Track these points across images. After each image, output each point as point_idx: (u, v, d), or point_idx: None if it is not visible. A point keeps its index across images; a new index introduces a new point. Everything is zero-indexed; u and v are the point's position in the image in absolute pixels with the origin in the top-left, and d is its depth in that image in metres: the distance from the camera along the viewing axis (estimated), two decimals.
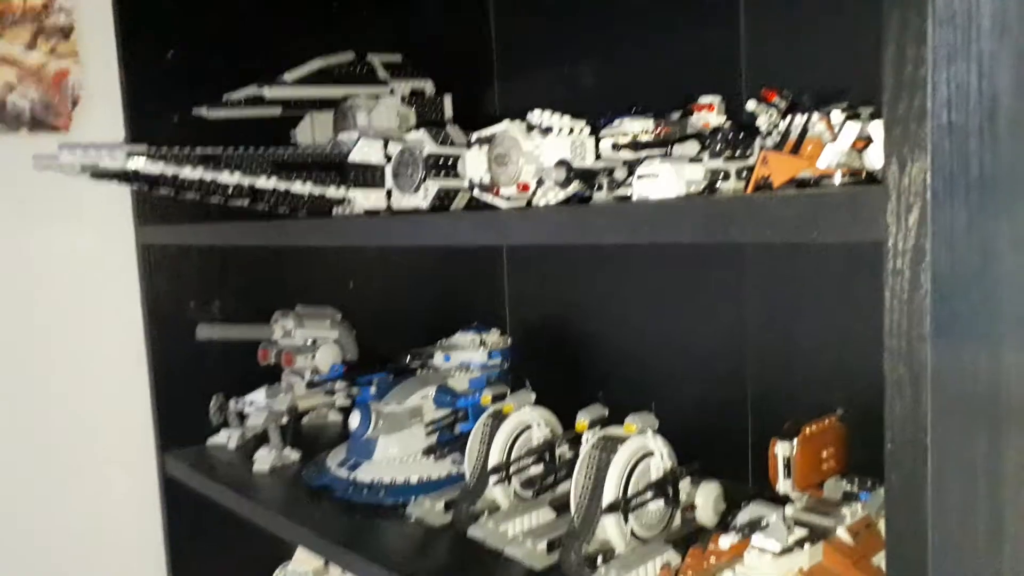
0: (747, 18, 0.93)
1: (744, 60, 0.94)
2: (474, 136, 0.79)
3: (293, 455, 1.22)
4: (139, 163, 0.85)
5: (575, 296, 1.21)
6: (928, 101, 0.44)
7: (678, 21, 1.01)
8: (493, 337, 1.21)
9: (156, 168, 0.85)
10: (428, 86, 1.28)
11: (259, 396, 1.28)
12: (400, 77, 1.27)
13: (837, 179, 0.55)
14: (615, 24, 1.09)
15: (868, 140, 0.53)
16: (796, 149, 0.53)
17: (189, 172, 0.87)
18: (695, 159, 0.64)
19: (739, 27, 0.94)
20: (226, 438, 1.32)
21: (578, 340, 1.21)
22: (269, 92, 1.17)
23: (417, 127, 1.24)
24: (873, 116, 0.51)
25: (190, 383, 1.33)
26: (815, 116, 0.54)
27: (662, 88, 1.03)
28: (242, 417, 1.31)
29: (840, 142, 0.50)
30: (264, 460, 1.20)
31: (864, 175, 0.55)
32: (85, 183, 1.24)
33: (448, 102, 1.27)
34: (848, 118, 0.53)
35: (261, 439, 1.27)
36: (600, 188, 0.72)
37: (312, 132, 1.31)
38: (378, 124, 1.22)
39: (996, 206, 0.51)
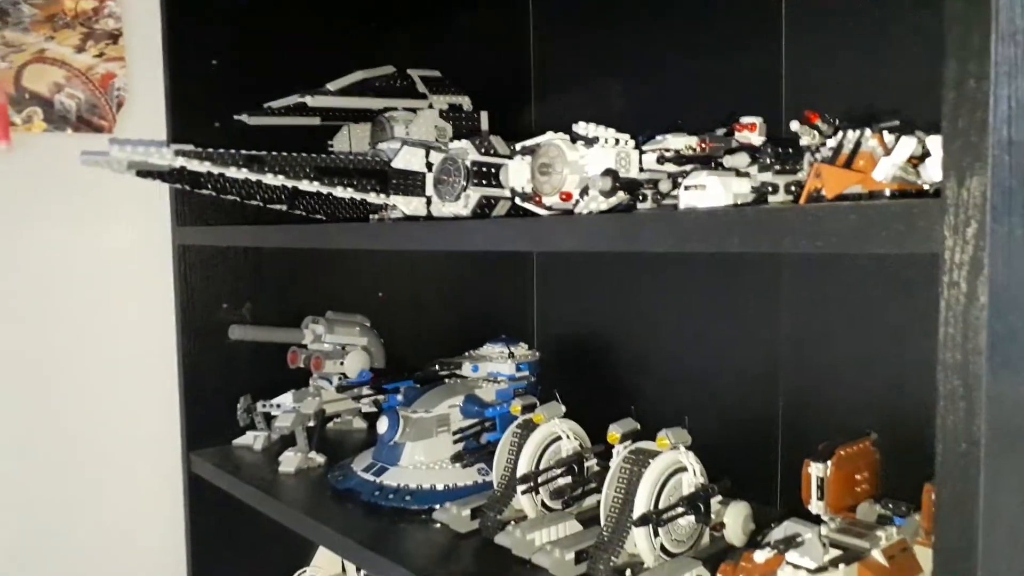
0: (788, 40, 0.94)
1: (785, 82, 0.95)
2: (518, 145, 0.80)
3: (319, 458, 1.23)
4: (186, 161, 0.87)
5: (603, 311, 1.21)
6: (989, 115, 0.44)
7: (718, 43, 1.02)
8: (522, 350, 1.21)
9: (203, 167, 0.87)
10: (466, 102, 1.30)
11: (287, 399, 1.29)
12: (439, 92, 1.29)
13: (887, 194, 0.55)
14: (653, 45, 1.10)
15: (920, 159, 0.53)
16: (848, 164, 0.54)
17: (235, 172, 0.89)
18: (743, 173, 0.64)
19: (781, 49, 0.95)
20: (252, 439, 1.32)
21: (605, 355, 1.21)
22: (312, 100, 1.19)
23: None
24: (928, 132, 0.51)
25: (219, 384, 1.35)
26: (868, 132, 0.55)
27: (700, 109, 1.05)
28: (269, 419, 1.32)
29: (896, 154, 0.51)
30: (290, 462, 1.21)
31: (915, 192, 0.55)
32: (125, 183, 1.27)
33: (485, 118, 1.29)
34: (904, 132, 0.53)
35: (287, 441, 1.27)
36: (644, 199, 0.73)
37: (350, 143, 1.33)
38: (416, 136, 1.24)
39: None
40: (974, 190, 0.45)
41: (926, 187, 0.52)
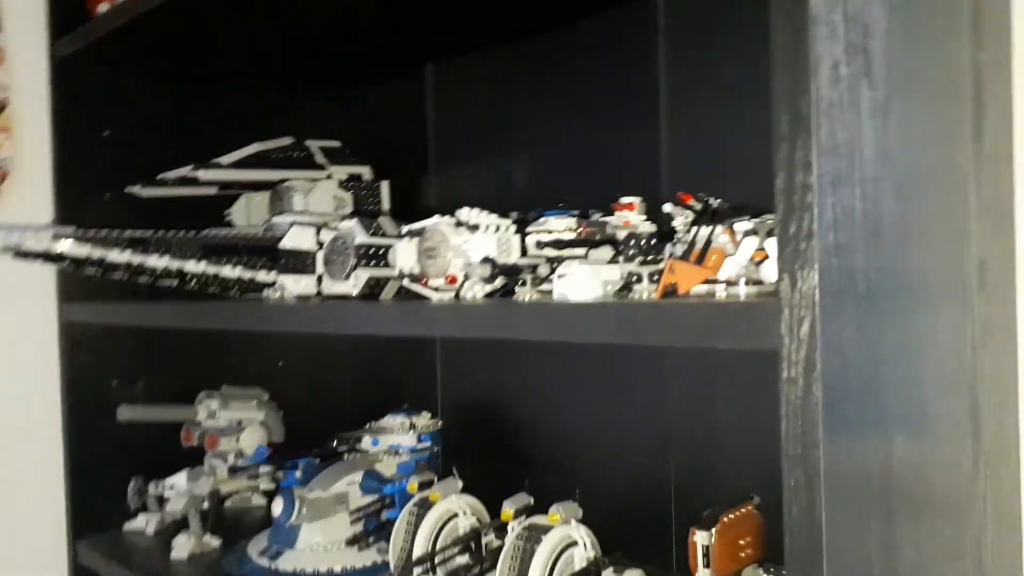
0: (667, 125, 0.99)
1: (664, 163, 0.99)
2: (405, 228, 0.81)
3: (213, 542, 1.18)
4: (65, 246, 0.85)
5: (507, 380, 1.22)
6: (815, 224, 0.48)
7: (605, 124, 1.07)
8: (423, 420, 1.21)
9: (82, 251, 0.85)
10: (366, 172, 1.31)
11: (180, 479, 1.24)
12: (338, 162, 1.29)
13: (742, 287, 0.59)
14: (546, 123, 1.14)
15: (767, 253, 0.57)
16: (702, 258, 0.57)
17: (116, 255, 0.87)
18: (612, 261, 0.67)
19: (660, 132, 0.99)
20: (144, 523, 1.27)
21: (509, 424, 1.22)
22: (204, 174, 1.18)
23: (354, 212, 1.27)
24: (770, 232, 0.55)
25: (108, 466, 1.29)
26: (719, 228, 0.58)
27: (589, 185, 1.09)
28: (162, 501, 1.27)
29: (739, 255, 0.54)
30: (182, 547, 1.16)
31: (768, 283, 0.59)
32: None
33: (385, 188, 1.30)
34: (748, 233, 0.57)
35: (181, 524, 1.23)
36: (524, 284, 0.75)
37: (247, 213, 1.32)
38: (314, 208, 1.24)
39: (884, 315, 0.55)
40: (806, 292, 0.48)
41: (771, 284, 0.56)
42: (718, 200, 0.79)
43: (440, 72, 1.30)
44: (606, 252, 0.66)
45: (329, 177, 1.28)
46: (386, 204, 1.31)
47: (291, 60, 1.29)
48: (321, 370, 1.50)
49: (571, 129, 1.11)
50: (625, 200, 0.89)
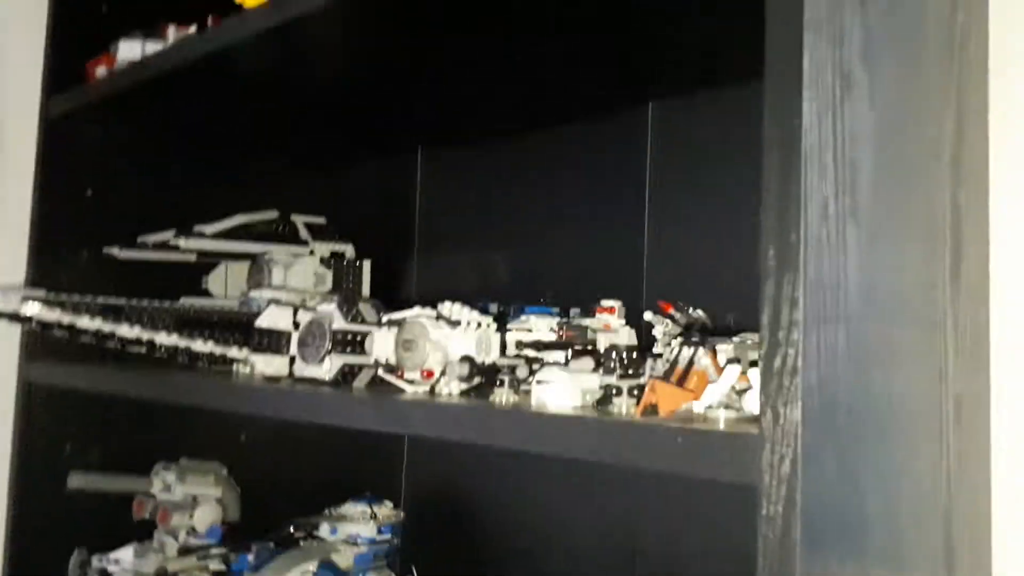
0: (651, 230, 1.00)
1: (646, 268, 1.00)
2: (385, 317, 0.81)
3: None
4: (34, 309, 0.83)
5: (474, 474, 1.19)
6: (799, 359, 0.48)
7: (590, 224, 1.08)
8: (385, 510, 1.17)
9: (52, 316, 0.83)
10: (348, 250, 1.30)
11: (127, 554, 1.19)
12: (322, 239, 1.29)
13: (722, 412, 0.58)
14: (534, 219, 1.15)
15: (750, 382, 0.56)
16: (683, 378, 0.57)
17: (87, 322, 0.85)
18: (593, 370, 0.66)
19: (643, 237, 1.01)
20: None
21: (473, 521, 1.18)
22: (184, 243, 1.17)
23: (333, 289, 1.26)
24: (753, 363, 0.55)
25: (52, 534, 1.23)
26: (701, 351, 0.58)
27: (571, 282, 1.09)
28: None
29: (721, 383, 0.54)
30: None
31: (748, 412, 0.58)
32: None
33: (367, 268, 1.29)
34: (731, 360, 0.56)
35: None
36: (502, 384, 0.74)
37: (225, 282, 1.31)
38: (293, 282, 1.23)
39: (863, 449, 0.55)
40: (788, 429, 0.48)
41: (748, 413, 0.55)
42: (698, 311, 0.80)
43: (430, 157, 1.31)
44: (587, 364, 0.66)
45: (311, 253, 1.28)
46: (367, 283, 1.30)
47: (282, 136, 1.30)
48: (284, 448, 1.46)
49: (557, 226, 1.12)
50: (606, 303, 0.89)
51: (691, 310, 0.80)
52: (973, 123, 0.75)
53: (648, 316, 0.79)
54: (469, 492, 1.20)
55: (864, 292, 0.54)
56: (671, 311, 0.80)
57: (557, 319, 0.82)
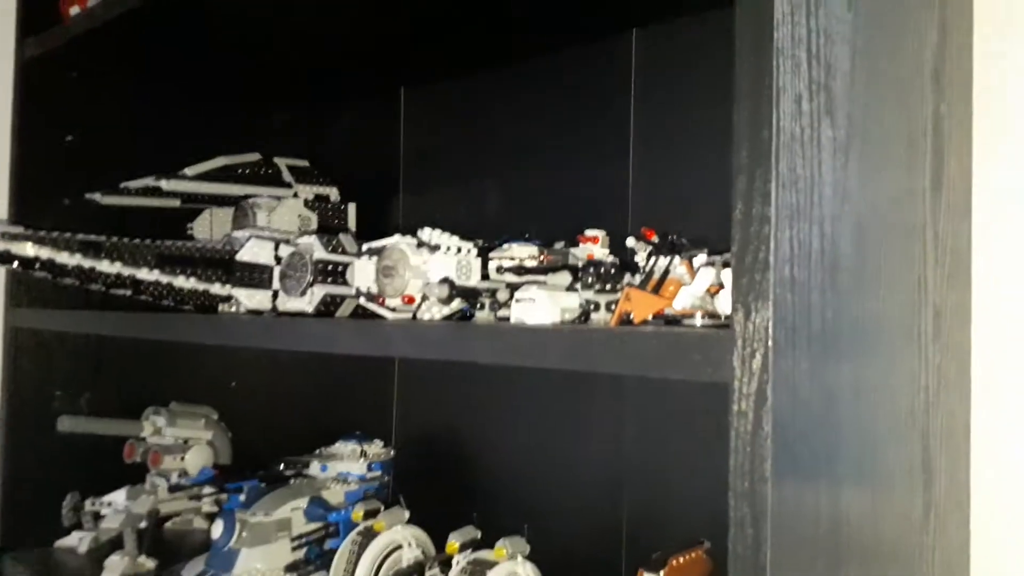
0: (636, 160, 0.99)
1: (632, 198, 0.99)
2: (364, 246, 0.80)
3: (148, 563, 1.14)
4: (12, 244, 0.82)
5: (463, 411, 1.20)
6: (771, 256, 0.47)
7: (575, 156, 1.07)
8: (375, 448, 1.18)
9: (31, 251, 0.82)
10: (333, 193, 1.29)
11: (119, 497, 1.20)
12: (305, 182, 1.28)
13: (697, 319, 0.58)
14: (517, 152, 1.14)
15: (723, 284, 0.56)
16: (658, 287, 0.56)
17: (67, 258, 0.84)
18: (571, 288, 0.66)
19: (629, 167, 1.00)
20: (77, 540, 1.22)
21: (463, 456, 1.19)
22: (167, 184, 1.15)
23: (318, 231, 1.25)
24: (727, 264, 0.54)
25: (44, 479, 1.24)
26: (677, 259, 0.57)
27: (556, 216, 1.08)
28: (98, 519, 1.22)
29: (695, 286, 0.53)
30: (115, 567, 1.11)
31: (723, 317, 0.58)
32: None
33: (352, 210, 1.29)
34: (704, 264, 0.56)
35: (116, 544, 1.18)
36: (483, 307, 0.74)
37: (211, 227, 1.29)
38: (278, 225, 1.22)
39: (838, 356, 0.55)
40: (759, 325, 0.48)
41: (725, 316, 0.55)
42: (683, 239, 0.79)
43: (413, 97, 1.29)
44: (564, 278, 0.65)
45: (295, 196, 1.27)
46: (352, 226, 1.29)
47: (263, 78, 1.29)
48: (274, 392, 1.47)
49: (541, 160, 1.11)
50: (590, 233, 0.89)
51: (676, 237, 0.79)
52: (956, 36, 0.74)
53: (630, 242, 0.79)
54: (458, 430, 1.20)
55: (839, 193, 0.53)
56: (653, 238, 0.79)
57: (537, 248, 0.82)
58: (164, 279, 0.89)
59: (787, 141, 0.48)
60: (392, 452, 1.20)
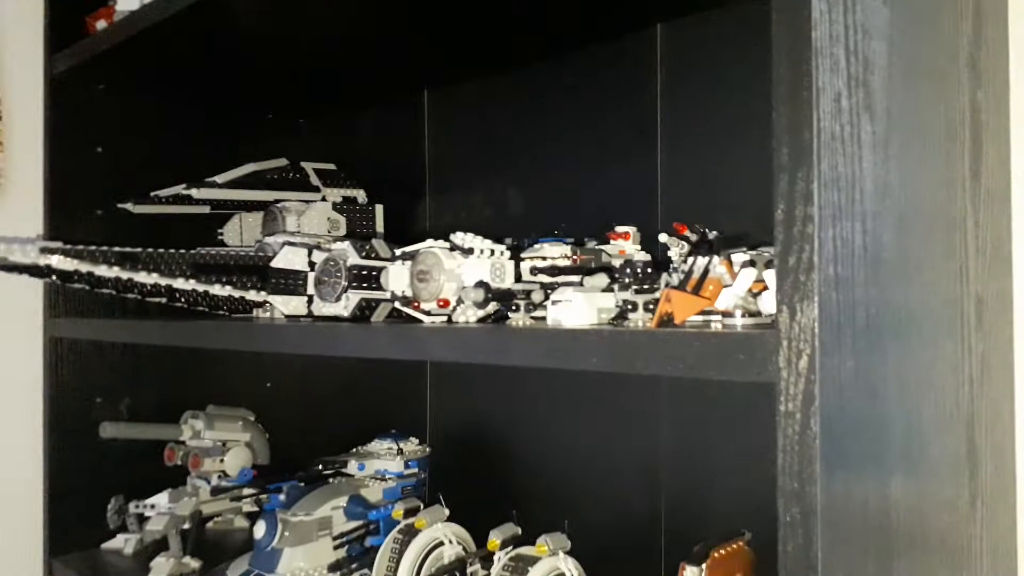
0: (663, 155, 0.99)
1: (660, 194, 0.99)
2: (399, 251, 0.81)
3: (193, 563, 1.16)
4: (52, 260, 0.84)
5: (498, 407, 1.21)
6: (815, 256, 0.47)
7: (602, 153, 1.07)
8: (411, 446, 1.19)
9: (70, 265, 0.83)
10: (360, 195, 1.30)
11: (161, 499, 1.22)
12: (333, 185, 1.29)
13: (738, 317, 0.58)
14: (544, 152, 1.14)
15: (765, 284, 0.56)
16: (698, 287, 0.56)
17: (105, 271, 0.86)
18: (607, 289, 0.66)
19: (656, 163, 0.99)
20: (123, 543, 1.24)
21: (498, 452, 1.20)
22: (197, 193, 1.17)
23: (347, 235, 1.26)
24: (769, 264, 0.54)
25: (89, 484, 1.27)
26: (716, 259, 0.57)
27: (585, 214, 1.08)
28: (142, 521, 1.24)
29: (737, 286, 0.53)
30: (161, 568, 1.13)
31: (763, 315, 0.58)
32: None
33: (380, 212, 1.29)
34: (745, 264, 0.56)
35: (160, 545, 1.20)
36: (517, 309, 0.74)
37: (240, 232, 1.31)
38: (307, 229, 1.23)
39: (883, 351, 0.54)
40: (805, 325, 0.48)
41: (770, 316, 0.55)
42: (714, 232, 0.79)
43: (437, 98, 1.30)
44: (601, 280, 0.65)
45: (323, 199, 1.28)
46: (380, 228, 1.30)
47: (288, 83, 1.29)
48: (310, 393, 1.48)
49: (567, 158, 1.11)
50: (620, 229, 0.89)
51: (707, 231, 0.79)
52: (991, 24, 0.73)
53: (663, 238, 0.78)
54: (493, 426, 1.21)
55: (880, 189, 0.53)
56: (686, 232, 0.79)
57: (571, 246, 0.82)
58: (200, 287, 0.90)
59: (827, 140, 0.48)
60: (428, 449, 1.21)
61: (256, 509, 1.26)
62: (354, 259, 0.84)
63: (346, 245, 0.85)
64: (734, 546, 0.87)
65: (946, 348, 0.64)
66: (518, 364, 0.63)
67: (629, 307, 0.62)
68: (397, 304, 0.80)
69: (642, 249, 0.88)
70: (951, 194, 0.64)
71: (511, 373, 1.18)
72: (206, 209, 1.25)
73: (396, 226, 1.30)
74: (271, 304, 0.96)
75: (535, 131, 1.16)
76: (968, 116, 0.67)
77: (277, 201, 1.25)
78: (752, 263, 0.55)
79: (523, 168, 1.17)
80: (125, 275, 0.87)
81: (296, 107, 1.43)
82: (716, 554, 0.84)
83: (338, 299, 0.86)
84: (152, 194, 1.23)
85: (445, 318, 0.78)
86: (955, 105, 0.66)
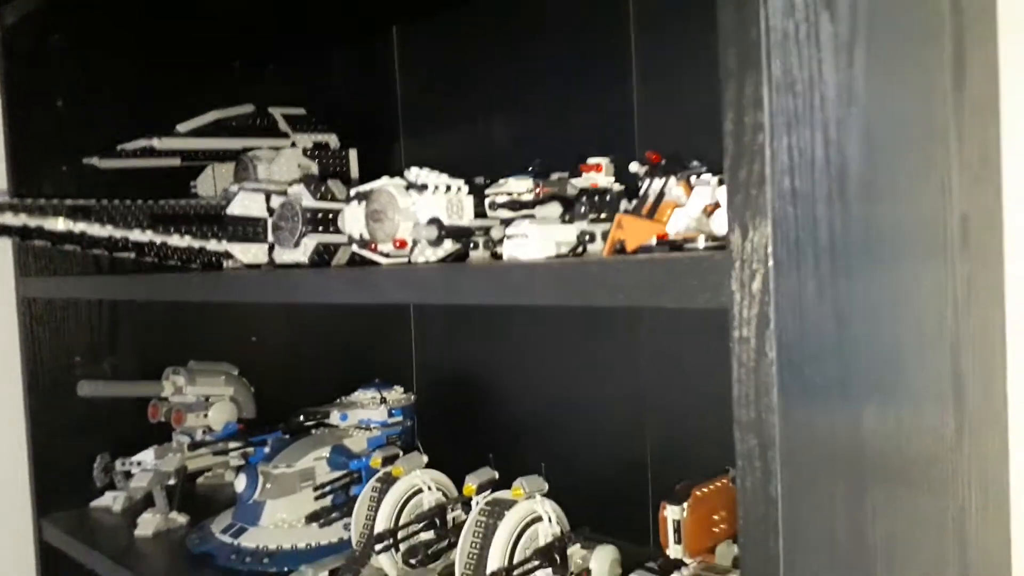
0: (639, 84, 0.94)
1: (637, 123, 0.94)
2: (352, 191, 0.77)
3: (180, 518, 1.15)
4: (3, 217, 0.81)
5: (482, 354, 1.18)
6: (767, 168, 0.43)
7: (578, 85, 1.01)
8: (395, 394, 1.17)
9: (17, 220, 0.80)
10: (332, 140, 1.26)
11: (147, 456, 1.21)
12: (302, 130, 1.24)
13: (700, 243, 0.54)
14: (518, 85, 1.09)
15: (719, 204, 0.52)
16: (653, 211, 0.53)
17: (57, 224, 0.83)
18: (568, 221, 0.63)
19: (632, 92, 0.94)
20: (111, 500, 1.24)
21: (484, 398, 1.18)
22: (160, 143, 1.13)
23: (306, 179, 1.22)
24: (723, 181, 0.50)
25: (73, 443, 1.26)
26: (672, 180, 0.53)
27: (562, 146, 1.03)
28: (129, 478, 1.24)
29: (690, 207, 0.49)
30: (148, 524, 1.13)
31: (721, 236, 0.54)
32: None
33: (354, 157, 1.25)
34: (701, 183, 0.52)
35: (149, 502, 1.20)
36: (477, 247, 0.70)
37: (214, 183, 1.27)
38: (279, 176, 1.19)
39: (851, 272, 0.50)
40: (757, 243, 0.44)
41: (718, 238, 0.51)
42: (694, 162, 0.74)
43: (406, 35, 1.24)
44: (554, 209, 0.62)
45: (293, 145, 1.23)
46: (355, 173, 1.26)
47: (251, 26, 1.24)
48: (293, 345, 1.46)
49: (542, 92, 1.06)
50: (592, 161, 0.84)
51: (681, 158, 0.74)
52: None
53: (634, 167, 0.74)
54: (478, 373, 1.19)
55: (844, 93, 0.49)
56: (659, 161, 0.75)
57: (532, 180, 0.78)
58: (158, 239, 0.87)
59: (779, 40, 0.44)
60: (413, 397, 1.19)
61: (244, 463, 1.25)
62: (308, 201, 0.80)
63: (299, 187, 0.81)
64: (718, 483, 0.85)
65: (927, 268, 0.60)
66: (470, 302, 0.60)
67: (587, 237, 0.58)
68: (355, 247, 0.77)
69: (617, 181, 0.84)
70: (930, 104, 0.59)
71: (495, 318, 1.15)
72: (176, 161, 1.21)
73: (372, 169, 1.25)
74: (231, 255, 0.93)
75: (508, 65, 1.10)
76: (949, 18, 0.62)
77: (247, 150, 1.21)
78: (707, 183, 0.51)
79: (498, 103, 1.12)
80: (78, 228, 0.84)
81: (262, 51, 1.38)
82: (698, 492, 0.82)
83: (296, 244, 0.82)
84: (119, 147, 1.19)
85: (404, 259, 0.74)
86: (933, 7, 0.60)
